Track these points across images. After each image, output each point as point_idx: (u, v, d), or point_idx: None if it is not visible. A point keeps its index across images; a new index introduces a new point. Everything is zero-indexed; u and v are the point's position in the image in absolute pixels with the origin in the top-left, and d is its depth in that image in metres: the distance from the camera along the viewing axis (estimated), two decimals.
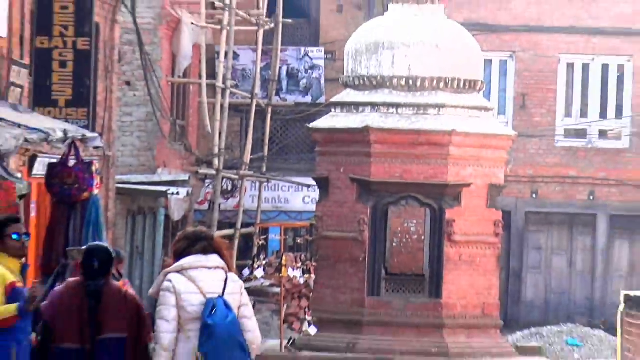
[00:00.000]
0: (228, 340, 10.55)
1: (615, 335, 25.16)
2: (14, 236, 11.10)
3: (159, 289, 10.53)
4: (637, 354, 19.63)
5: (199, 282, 10.57)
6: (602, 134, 39.52)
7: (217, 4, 34.66)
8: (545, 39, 38.35)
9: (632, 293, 21.64)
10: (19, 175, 20.39)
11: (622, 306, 20.66)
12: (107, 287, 10.68)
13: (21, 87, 22.80)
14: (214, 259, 10.73)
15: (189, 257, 10.61)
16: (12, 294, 10.34)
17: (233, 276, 10.84)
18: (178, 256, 10.68)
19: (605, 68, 39.03)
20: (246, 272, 32.15)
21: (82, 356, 10.45)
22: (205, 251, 10.76)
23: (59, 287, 10.93)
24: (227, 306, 10.54)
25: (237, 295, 10.77)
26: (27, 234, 11.99)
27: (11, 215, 12.55)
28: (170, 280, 10.48)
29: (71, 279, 11.05)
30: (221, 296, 10.56)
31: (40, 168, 21.68)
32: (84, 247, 12.89)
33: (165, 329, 10.35)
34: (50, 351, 10.53)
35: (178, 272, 10.53)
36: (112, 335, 10.45)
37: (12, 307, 10.21)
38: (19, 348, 10.42)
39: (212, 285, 10.60)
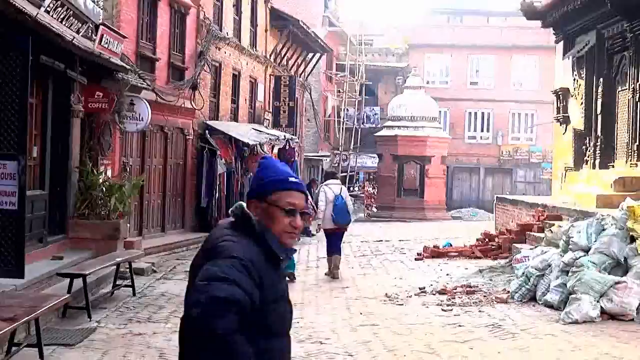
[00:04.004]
0: (342, 209, 14.11)
1: (492, 212, 26.87)
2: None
3: (319, 191, 14.67)
4: (499, 219, 21.69)
5: (332, 188, 14.31)
6: (479, 137, 46.03)
7: (342, 91, 40.54)
8: (459, 103, 44.79)
9: (497, 195, 25.03)
10: (268, 152, 24.50)
11: (495, 200, 23.52)
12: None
13: (268, 119, 27.67)
14: (336, 181, 14.82)
15: (328, 180, 14.77)
16: None
17: (344, 187, 14.82)
18: (325, 179, 15.35)
19: (482, 114, 45.70)
20: (352, 188, 38.85)
21: None
22: (333, 178, 14.99)
23: None
24: (342, 197, 14.18)
25: (345, 193, 14.42)
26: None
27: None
28: (323, 188, 14.41)
29: None
30: (340, 194, 14.24)
31: (275, 150, 26.66)
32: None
33: (322, 203, 14.15)
34: None
35: (325, 185, 14.51)
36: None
37: None
38: None
39: (336, 189, 14.30)
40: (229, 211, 3.00)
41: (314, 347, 8.65)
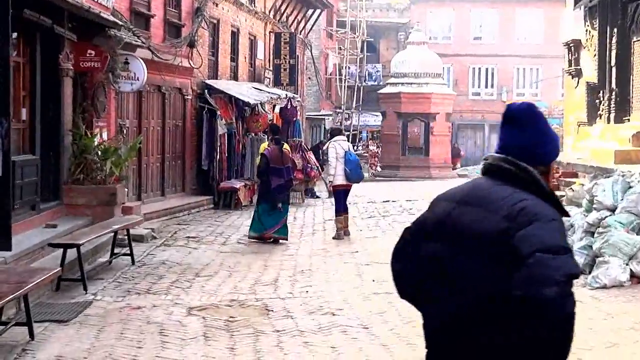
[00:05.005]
0: (355, 164, 13.86)
1: None
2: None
3: (328, 147, 14.19)
4: None
5: (341, 144, 14.10)
6: (483, 93, 45.56)
7: (343, 48, 39.94)
8: (463, 58, 44.14)
9: None
10: (269, 112, 24.49)
11: None
12: (284, 149, 13.65)
13: (268, 78, 26.92)
14: (343, 137, 14.60)
15: (336, 137, 14.36)
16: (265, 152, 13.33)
17: (349, 143, 14.67)
18: (332, 136, 14.60)
19: (486, 70, 45.33)
20: (355, 147, 37.10)
21: (281, 170, 13.05)
22: (340, 134, 14.71)
23: (271, 146, 13.52)
24: (352, 153, 14.09)
25: (352, 150, 14.37)
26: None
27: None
28: (332, 144, 14.05)
29: (275, 145, 13.38)
30: (348, 150, 13.99)
31: (277, 109, 25.64)
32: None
33: (333, 159, 13.78)
34: (269, 168, 13.05)
35: (334, 141, 14.18)
36: (287, 165, 13.32)
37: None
38: None
39: (345, 146, 14.11)
40: (489, 161, 2.81)
41: (325, 320, 8.04)
